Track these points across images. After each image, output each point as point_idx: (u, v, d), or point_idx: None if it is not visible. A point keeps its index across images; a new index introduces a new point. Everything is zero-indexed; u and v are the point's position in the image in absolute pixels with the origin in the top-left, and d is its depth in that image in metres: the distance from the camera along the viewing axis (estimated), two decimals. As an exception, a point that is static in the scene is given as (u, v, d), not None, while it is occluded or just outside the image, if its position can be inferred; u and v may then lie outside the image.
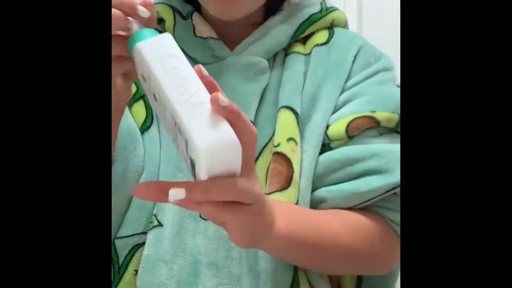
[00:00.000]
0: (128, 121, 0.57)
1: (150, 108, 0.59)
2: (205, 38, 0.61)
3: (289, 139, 0.56)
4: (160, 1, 0.64)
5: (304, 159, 0.55)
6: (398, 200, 0.55)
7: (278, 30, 0.61)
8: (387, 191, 0.54)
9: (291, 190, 0.55)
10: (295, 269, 0.55)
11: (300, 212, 0.54)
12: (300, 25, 0.62)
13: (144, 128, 0.58)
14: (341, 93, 0.59)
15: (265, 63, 0.59)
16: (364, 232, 0.55)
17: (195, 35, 0.61)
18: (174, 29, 0.61)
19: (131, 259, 0.55)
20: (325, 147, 0.58)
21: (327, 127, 0.57)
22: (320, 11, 0.63)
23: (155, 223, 0.55)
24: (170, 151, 0.57)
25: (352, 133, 0.57)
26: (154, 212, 0.56)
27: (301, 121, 0.57)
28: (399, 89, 0.60)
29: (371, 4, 1.05)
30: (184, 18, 0.62)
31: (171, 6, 0.63)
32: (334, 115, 0.58)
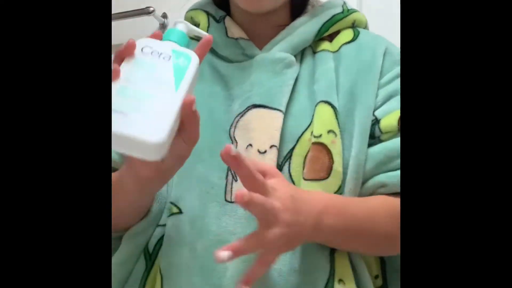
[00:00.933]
0: None
1: None
2: (236, 39, 0.66)
3: (329, 131, 0.59)
4: (195, 7, 0.72)
5: (351, 151, 0.59)
6: None
7: (303, 29, 0.66)
8: None
9: (331, 180, 0.58)
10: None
11: (344, 203, 0.57)
12: (324, 24, 0.66)
13: None
14: (378, 89, 0.63)
15: (291, 58, 0.63)
16: None
17: (227, 36, 0.67)
18: (207, 30, 0.67)
19: (160, 248, 0.59)
20: (374, 139, 0.62)
21: (378, 121, 0.61)
22: (342, 12, 0.68)
23: (174, 210, 0.59)
24: None
25: None
26: (172, 200, 0.59)
27: (340, 115, 0.60)
28: None
29: (371, 5, 1.05)
30: (217, 21, 0.68)
31: (205, 11, 0.70)
32: (380, 109, 0.62)
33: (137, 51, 0.48)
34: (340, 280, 0.56)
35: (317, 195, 0.56)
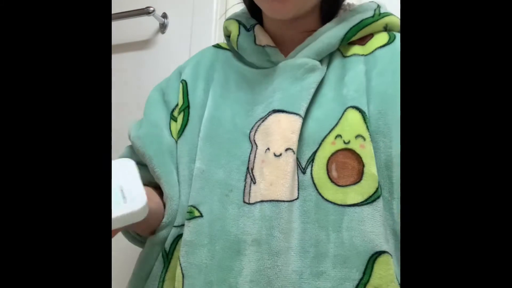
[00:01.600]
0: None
1: (186, 118, 0.69)
2: (263, 46, 0.69)
3: (357, 136, 0.59)
4: (231, 17, 0.76)
5: (392, 151, 0.59)
6: None
7: (329, 34, 0.66)
8: None
9: (364, 183, 0.57)
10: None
11: None
12: (350, 28, 0.67)
13: (179, 135, 0.68)
14: None
15: (314, 62, 0.64)
16: None
17: (255, 44, 0.69)
18: (238, 38, 0.71)
19: (175, 247, 0.63)
20: None
21: None
22: (373, 16, 0.68)
23: (196, 213, 0.61)
24: (209, 151, 0.64)
25: None
26: (193, 203, 0.62)
27: (371, 118, 0.60)
28: None
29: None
30: (247, 30, 0.72)
31: (237, 20, 0.74)
32: None
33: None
34: None
35: None
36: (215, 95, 0.69)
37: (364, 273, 0.54)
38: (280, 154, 0.58)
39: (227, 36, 0.76)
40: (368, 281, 0.53)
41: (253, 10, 0.74)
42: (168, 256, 0.63)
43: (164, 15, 1.25)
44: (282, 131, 0.59)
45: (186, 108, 0.69)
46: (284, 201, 0.56)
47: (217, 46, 0.78)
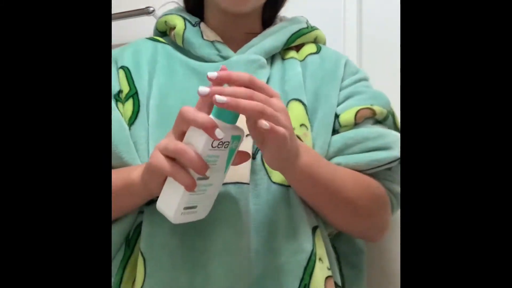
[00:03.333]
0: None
1: (137, 104, 0.70)
2: (212, 42, 0.74)
3: (301, 125, 0.68)
4: (170, 13, 0.80)
5: (317, 142, 0.68)
6: (394, 174, 0.72)
7: (274, 37, 0.76)
8: (390, 162, 0.70)
9: None
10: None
11: (320, 157, 0.65)
12: (292, 34, 0.77)
13: (131, 121, 0.68)
14: (339, 91, 0.74)
15: (264, 60, 0.72)
16: (368, 188, 0.67)
17: (203, 39, 0.74)
18: (184, 32, 0.75)
19: (138, 234, 0.63)
20: (334, 132, 0.71)
21: (337, 116, 0.71)
22: (307, 27, 0.80)
23: (155, 198, 0.61)
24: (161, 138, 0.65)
25: (358, 121, 0.72)
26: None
27: (308, 112, 0.70)
28: (382, 92, 0.78)
29: (371, 5, 1.05)
30: (193, 25, 0.76)
31: (181, 16, 0.78)
32: (340, 107, 0.72)
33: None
34: (320, 259, 0.62)
35: (304, 144, 0.65)
36: (159, 84, 0.71)
37: (312, 245, 0.61)
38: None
39: (162, 31, 0.81)
40: (315, 251, 0.61)
41: (195, 8, 0.79)
42: (130, 244, 0.64)
43: (164, 15, 1.25)
44: (240, 120, 0.60)
45: (134, 94, 0.70)
46: (245, 183, 0.61)
47: (153, 39, 0.80)
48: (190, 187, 0.50)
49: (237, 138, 0.54)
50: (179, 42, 0.75)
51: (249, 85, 0.53)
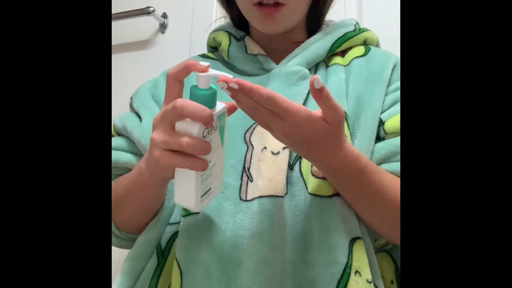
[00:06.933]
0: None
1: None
2: (255, 55, 0.74)
3: None
4: (217, 29, 0.81)
5: (359, 151, 0.62)
6: None
7: (317, 45, 0.73)
8: None
9: None
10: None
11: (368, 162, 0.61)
12: (336, 40, 0.74)
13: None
14: (385, 95, 0.69)
15: (306, 71, 0.69)
16: None
17: (247, 53, 0.75)
18: (229, 48, 0.76)
19: (172, 244, 0.64)
20: (379, 140, 0.67)
21: (383, 123, 0.67)
22: (354, 30, 0.76)
23: (192, 211, 0.62)
24: None
25: None
26: None
27: (349, 118, 0.66)
28: None
29: (371, 6, 1.05)
30: (237, 40, 0.77)
31: (227, 31, 0.79)
32: (385, 113, 0.67)
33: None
34: (357, 272, 0.59)
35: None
36: None
37: (348, 257, 0.58)
38: (278, 152, 0.62)
39: (213, 47, 0.82)
40: (352, 264, 0.58)
41: (241, 23, 0.79)
42: (164, 254, 0.64)
43: (164, 15, 1.25)
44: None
45: None
46: (281, 196, 0.60)
47: (204, 55, 0.81)
48: (205, 166, 0.51)
49: (223, 115, 0.55)
50: (225, 57, 0.76)
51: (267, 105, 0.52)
